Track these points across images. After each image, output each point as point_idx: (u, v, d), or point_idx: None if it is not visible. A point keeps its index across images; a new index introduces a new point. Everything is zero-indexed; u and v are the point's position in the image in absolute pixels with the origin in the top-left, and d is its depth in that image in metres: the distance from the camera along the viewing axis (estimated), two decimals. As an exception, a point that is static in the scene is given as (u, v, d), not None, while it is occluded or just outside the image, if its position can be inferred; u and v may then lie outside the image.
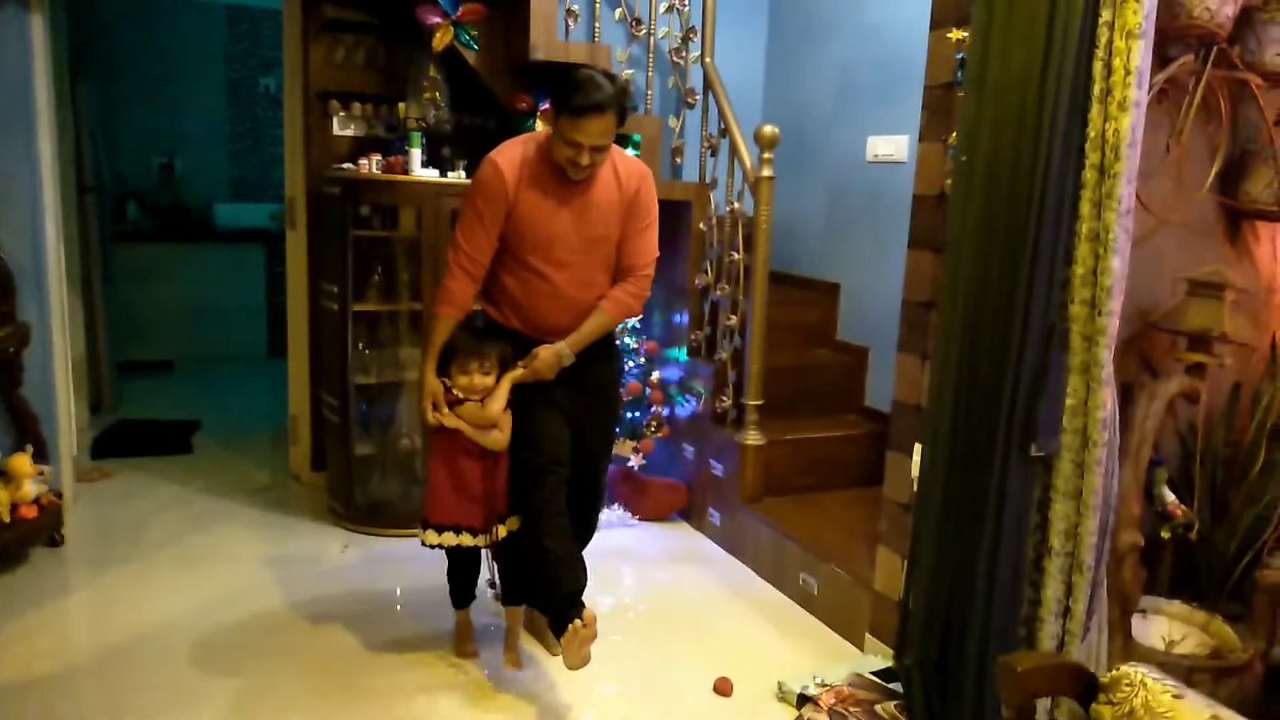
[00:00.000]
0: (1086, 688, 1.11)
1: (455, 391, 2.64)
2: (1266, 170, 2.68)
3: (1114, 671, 1.09)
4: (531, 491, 2.64)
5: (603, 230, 2.63)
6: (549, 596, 2.61)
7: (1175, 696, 1.05)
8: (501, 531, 2.74)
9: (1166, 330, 2.66)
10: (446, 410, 2.64)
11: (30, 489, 3.31)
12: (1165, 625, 2.68)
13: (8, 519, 3.23)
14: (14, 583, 3.24)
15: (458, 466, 2.68)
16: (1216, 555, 2.82)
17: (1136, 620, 2.64)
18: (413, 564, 3.54)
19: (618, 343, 2.95)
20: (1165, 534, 2.71)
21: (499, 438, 2.66)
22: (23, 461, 3.32)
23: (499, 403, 2.63)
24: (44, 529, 3.42)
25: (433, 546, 2.72)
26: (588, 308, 2.66)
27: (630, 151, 3.90)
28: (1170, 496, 2.72)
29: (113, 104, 6.24)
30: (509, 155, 2.57)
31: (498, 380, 2.65)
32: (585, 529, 2.93)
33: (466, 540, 2.71)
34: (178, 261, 6.44)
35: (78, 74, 4.71)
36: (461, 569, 2.89)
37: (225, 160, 6.93)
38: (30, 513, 3.31)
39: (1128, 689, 1.07)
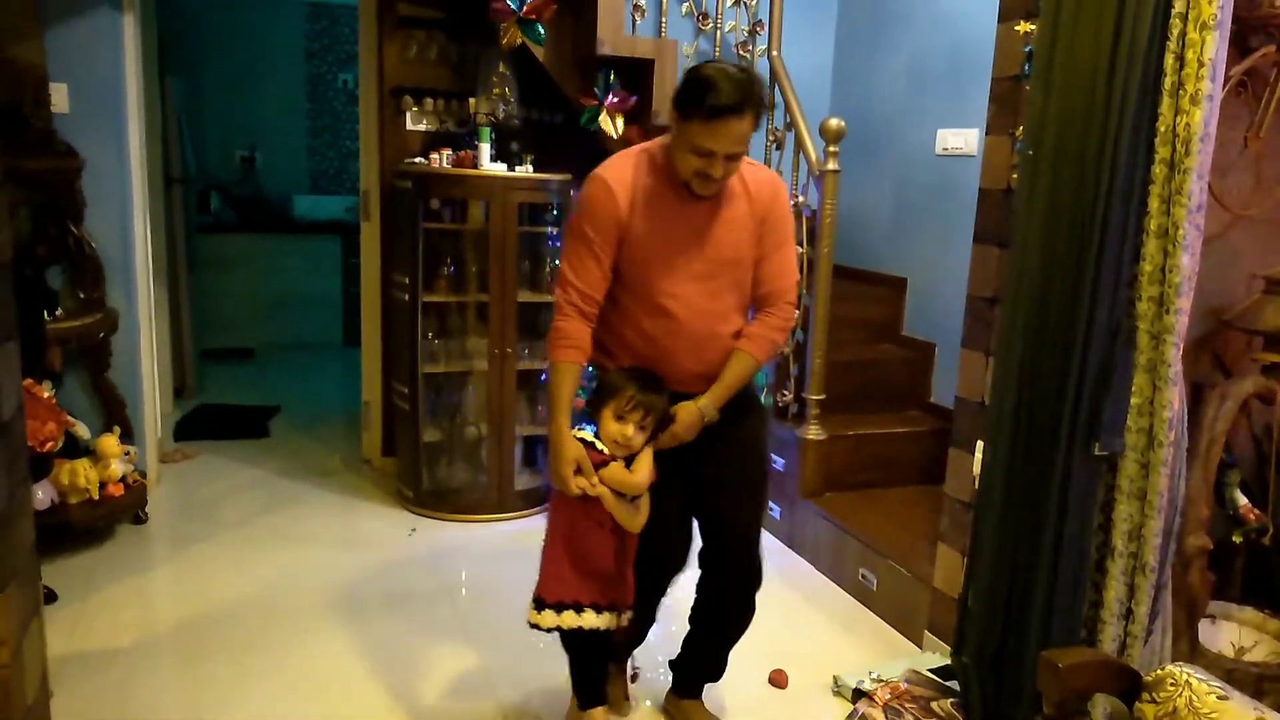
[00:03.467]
0: (1130, 686, 1.11)
1: (600, 448, 2.15)
2: (1352, 164, 2.59)
3: (1159, 671, 1.09)
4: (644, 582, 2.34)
5: (732, 253, 2.22)
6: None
7: (1220, 698, 1.04)
8: (625, 619, 2.29)
9: (1241, 329, 2.60)
10: (595, 477, 2.13)
11: (117, 468, 3.47)
12: (1235, 631, 2.61)
13: (97, 496, 3.40)
14: (101, 557, 3.40)
15: (583, 540, 2.19)
16: (1292, 561, 2.73)
17: (1205, 626, 2.58)
18: (476, 550, 3.65)
19: (759, 391, 2.39)
20: (1237, 538, 2.64)
21: (641, 517, 2.19)
22: (110, 442, 3.48)
23: (647, 470, 2.16)
24: (129, 507, 3.58)
25: (549, 630, 2.22)
26: (722, 348, 2.24)
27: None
28: (1243, 500, 2.65)
29: (197, 98, 6.48)
30: (619, 171, 2.18)
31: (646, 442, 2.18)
32: (742, 610, 2.44)
33: (590, 620, 2.19)
34: (258, 252, 6.66)
35: (165, 69, 4.90)
36: (588, 656, 2.34)
37: (304, 154, 7.14)
38: (117, 491, 3.48)
39: (1172, 688, 1.06)
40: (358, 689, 2.67)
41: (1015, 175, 2.54)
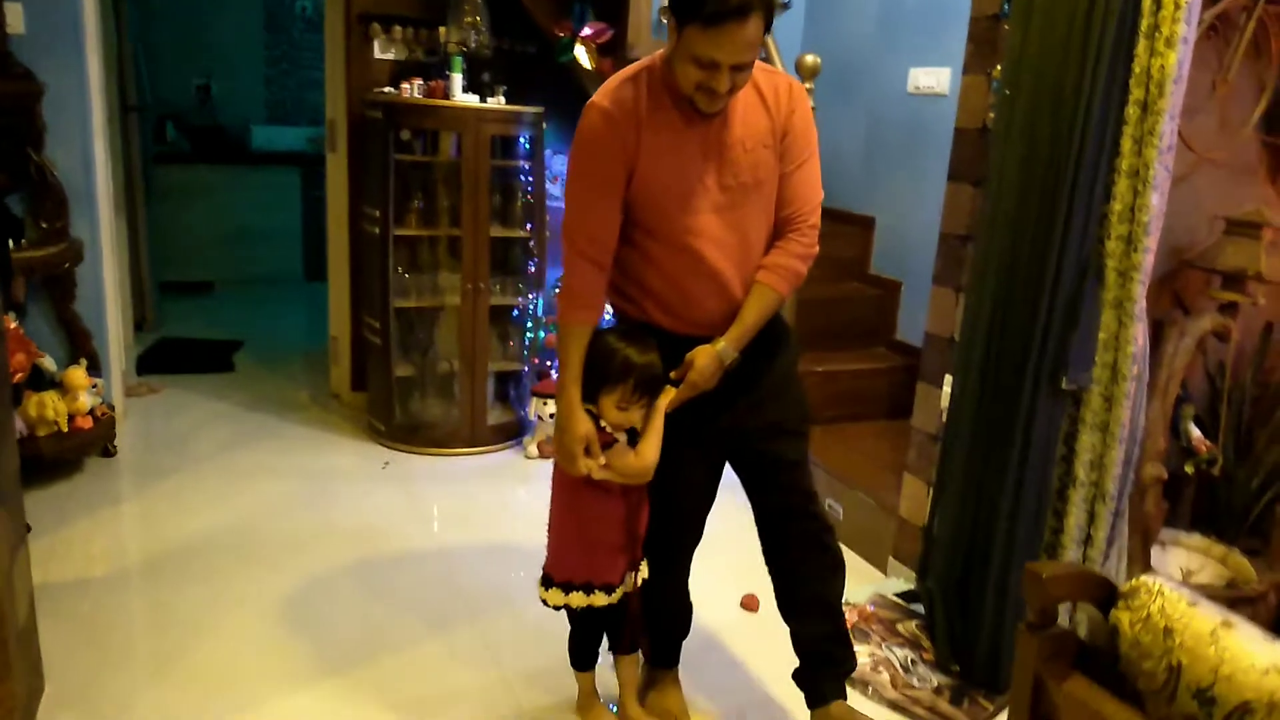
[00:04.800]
0: (1107, 596, 1.18)
1: (605, 427, 1.99)
2: (1313, 109, 2.67)
3: (1133, 581, 1.16)
4: (663, 572, 2.21)
5: (752, 175, 1.94)
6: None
7: (1190, 604, 1.12)
8: (639, 579, 2.16)
9: (1201, 268, 2.69)
10: (601, 459, 1.97)
11: (85, 400, 3.44)
12: (1184, 557, 2.74)
13: (66, 429, 3.37)
14: (71, 490, 3.39)
15: (592, 514, 2.05)
16: (1238, 491, 2.87)
17: (1156, 551, 2.71)
18: (449, 481, 3.70)
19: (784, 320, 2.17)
20: (1189, 469, 2.77)
21: (650, 469, 2.01)
22: (78, 374, 3.45)
23: (656, 444, 1.97)
24: (98, 440, 3.55)
25: (557, 608, 2.14)
26: (749, 282, 1.99)
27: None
28: (1196, 432, 2.77)
29: (152, 24, 6.27)
30: (619, 96, 1.89)
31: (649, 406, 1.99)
32: (830, 560, 2.20)
33: (599, 600, 2.09)
34: (215, 183, 6.52)
35: (119, -6, 4.74)
36: (590, 629, 2.25)
37: (262, 83, 6.97)
38: (86, 424, 3.45)
39: (1146, 596, 1.14)
40: (334, 618, 2.71)
41: (992, 114, 2.59)
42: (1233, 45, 2.54)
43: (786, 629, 2.27)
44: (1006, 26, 2.47)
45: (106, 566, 2.91)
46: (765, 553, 2.22)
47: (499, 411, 4.07)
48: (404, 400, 4.00)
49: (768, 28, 1.79)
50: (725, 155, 1.92)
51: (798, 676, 2.28)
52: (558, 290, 2.01)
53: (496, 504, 3.57)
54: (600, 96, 1.92)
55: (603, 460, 1.97)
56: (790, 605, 2.24)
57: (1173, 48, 2.12)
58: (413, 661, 2.53)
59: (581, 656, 2.29)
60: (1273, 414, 2.84)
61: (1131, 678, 1.13)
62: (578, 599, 2.08)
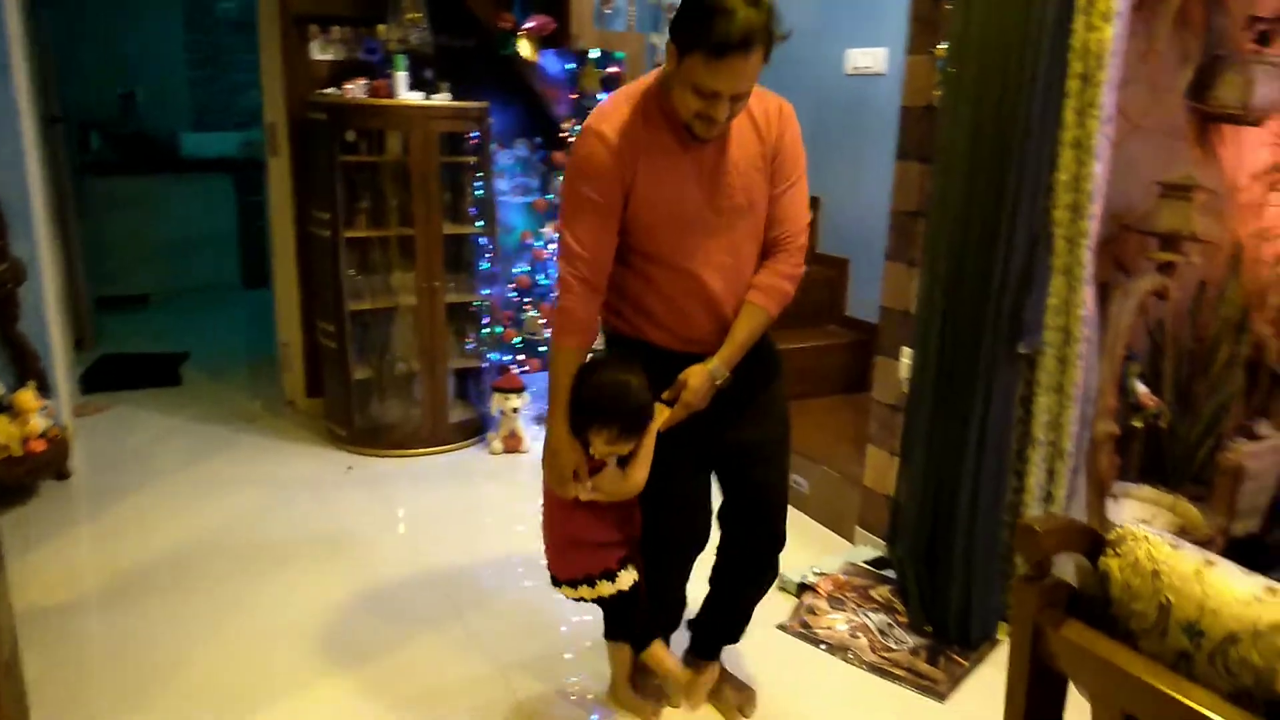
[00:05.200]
0: (1094, 545, 1.26)
1: (593, 453, 2.00)
2: (1235, 75, 2.80)
3: (1119, 529, 1.24)
4: (658, 572, 2.23)
5: (745, 199, 1.98)
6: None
7: (1173, 547, 1.20)
8: (633, 578, 2.17)
9: (1139, 231, 2.81)
10: (589, 482, 2.02)
11: (38, 423, 3.36)
12: (1137, 508, 2.88)
13: (19, 453, 3.28)
14: (29, 515, 3.31)
15: (582, 521, 2.08)
16: (1182, 442, 3.02)
17: (1110, 504, 2.84)
18: (415, 481, 3.70)
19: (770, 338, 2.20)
20: (1137, 423, 2.90)
21: (637, 488, 2.05)
22: (28, 396, 3.36)
23: (646, 466, 2.00)
24: (52, 462, 3.47)
25: (576, 600, 2.19)
26: (739, 300, 2.03)
27: (613, 68, 3.95)
28: (1142, 388, 2.90)
29: (69, 32, 6.08)
30: (616, 119, 1.90)
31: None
32: (765, 570, 2.31)
33: (607, 589, 2.12)
34: (145, 193, 6.37)
35: (37, 1, 4.59)
36: (620, 609, 2.20)
37: (187, 88, 6.81)
38: (39, 446, 3.36)
39: (1132, 543, 1.22)
40: (319, 624, 2.71)
41: (937, 93, 2.67)
42: (1160, 16, 2.65)
43: (764, 603, 2.37)
44: (948, 7, 2.55)
45: (77, 590, 2.85)
46: (721, 548, 2.31)
47: (460, 409, 4.08)
48: (363, 403, 3.97)
49: (767, 57, 1.80)
50: (719, 179, 1.95)
51: (698, 625, 2.40)
52: (555, 313, 2.01)
53: (466, 501, 3.58)
54: (598, 121, 1.91)
55: (589, 484, 2.00)
56: (722, 591, 2.34)
57: (1109, 21, 2.22)
58: (405, 660, 2.54)
59: (632, 635, 2.25)
60: (1210, 367, 2.99)
61: (1123, 619, 1.21)
62: (588, 592, 2.12)
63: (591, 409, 1.95)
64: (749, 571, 2.30)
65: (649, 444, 2.00)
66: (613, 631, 2.28)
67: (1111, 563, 1.23)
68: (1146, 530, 1.24)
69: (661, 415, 2.00)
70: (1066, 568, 1.33)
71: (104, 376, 4.79)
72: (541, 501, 2.16)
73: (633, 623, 2.23)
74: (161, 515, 3.34)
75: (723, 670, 2.41)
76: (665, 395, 2.00)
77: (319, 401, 4.27)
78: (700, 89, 1.78)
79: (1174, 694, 1.09)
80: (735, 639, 2.41)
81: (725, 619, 2.37)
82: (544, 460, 2.04)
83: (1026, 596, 1.26)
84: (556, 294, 1.98)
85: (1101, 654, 1.18)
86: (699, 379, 1.98)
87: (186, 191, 6.49)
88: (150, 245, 6.40)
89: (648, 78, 1.98)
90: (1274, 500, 3.10)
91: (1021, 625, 1.27)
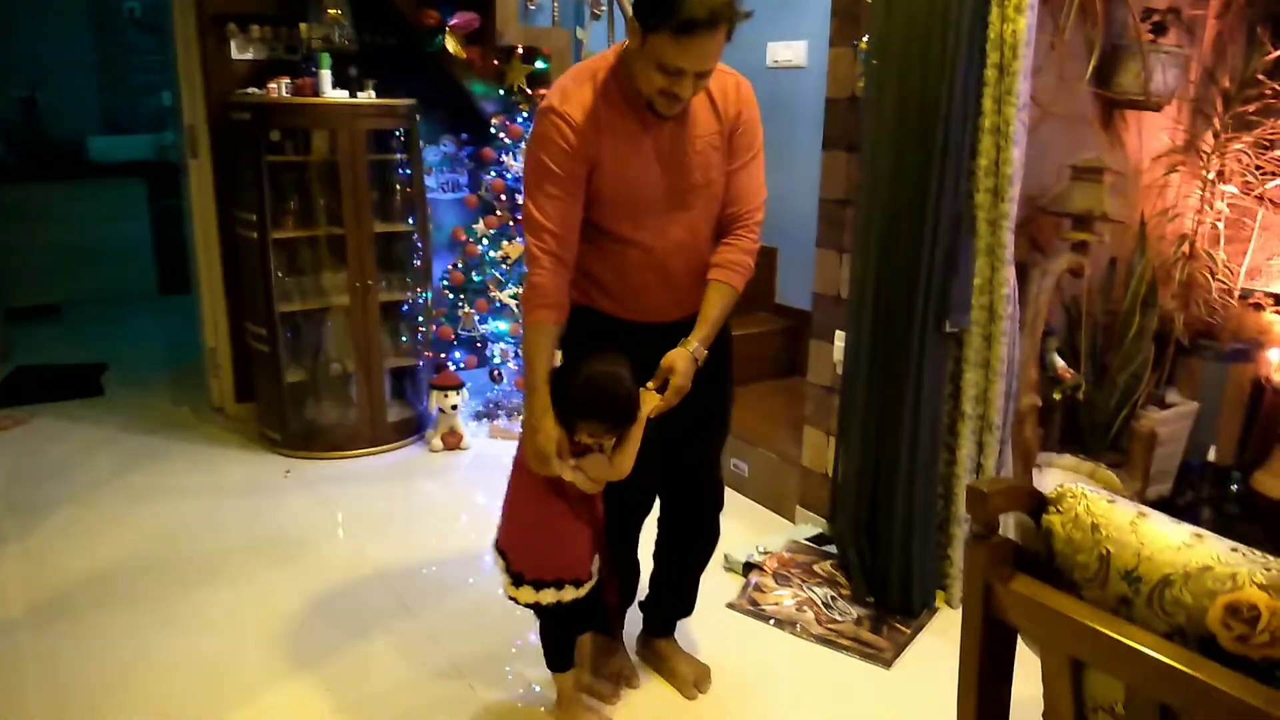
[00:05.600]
0: (1037, 505, 1.35)
1: (579, 438, 1.96)
2: (1134, 63, 2.97)
3: (1059, 488, 1.33)
4: (616, 542, 2.24)
5: (702, 175, 2.01)
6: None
7: (1109, 502, 1.29)
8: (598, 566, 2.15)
9: (1053, 213, 2.95)
10: (572, 461, 1.96)
11: (-43, 438, 3.24)
12: (1059, 476, 3.03)
13: (-62, 469, 3.17)
14: (-49, 534, 3.20)
15: (555, 509, 2.02)
16: (1099, 412, 3.19)
17: (1035, 474, 2.98)
18: (355, 482, 3.68)
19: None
20: (1057, 395, 3.05)
21: (624, 474, 2.01)
22: (-55, 411, 3.25)
23: (633, 454, 1.97)
24: (-27, 478, 3.36)
25: (528, 605, 2.09)
26: (698, 280, 2.06)
27: (539, 64, 3.96)
28: (1060, 362, 3.05)
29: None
30: (578, 98, 1.92)
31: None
32: (710, 534, 2.40)
33: (569, 594, 2.07)
34: (52, 200, 6.14)
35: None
36: (562, 625, 2.19)
37: (94, 91, 6.58)
38: (-42, 462, 3.26)
39: (1072, 500, 1.31)
40: (270, 630, 2.68)
41: (861, 84, 2.76)
42: (1065, 8, 2.79)
43: (713, 583, 2.46)
44: (869, 1, 2.64)
45: (6, 610, 2.76)
46: (664, 520, 2.38)
47: (398, 408, 4.06)
48: (298, 406, 3.93)
49: (730, 36, 1.82)
50: (678, 157, 1.99)
51: (649, 604, 2.49)
52: (525, 289, 2.00)
53: (407, 499, 3.57)
54: (558, 100, 1.92)
55: (573, 463, 1.96)
56: (671, 563, 2.43)
57: (1021, 13, 2.34)
58: (359, 661, 2.53)
59: (559, 656, 2.22)
60: (1122, 340, 3.16)
61: (1067, 571, 1.30)
62: (548, 595, 2.05)
63: (580, 409, 1.91)
64: (697, 536, 2.38)
65: (637, 433, 1.97)
66: (556, 659, 2.22)
67: (1054, 519, 1.32)
68: (1084, 488, 1.33)
69: (650, 403, 1.98)
70: (1010, 527, 1.42)
71: (20, 389, 4.63)
72: (507, 496, 2.10)
73: (585, 621, 2.21)
74: (92, 529, 3.25)
75: (677, 648, 2.49)
76: (651, 384, 1.99)
77: (250, 406, 4.20)
78: (665, 67, 1.80)
79: (1116, 636, 1.18)
80: (689, 610, 2.49)
81: (677, 590, 2.45)
82: (523, 438, 1.99)
83: (977, 555, 1.34)
84: (526, 270, 1.98)
85: (1049, 604, 1.27)
86: (685, 362, 1.98)
87: (96, 197, 6.27)
88: (60, 254, 6.17)
89: (606, 55, 1.99)
90: (1183, 464, 3.30)
91: (973, 581, 1.35)
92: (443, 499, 3.58)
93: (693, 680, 2.41)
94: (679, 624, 2.51)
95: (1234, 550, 1.17)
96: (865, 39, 2.69)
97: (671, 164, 1.99)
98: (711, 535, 2.40)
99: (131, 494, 3.54)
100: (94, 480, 3.64)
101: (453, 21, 3.71)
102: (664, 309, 2.08)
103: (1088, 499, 1.30)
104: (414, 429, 4.08)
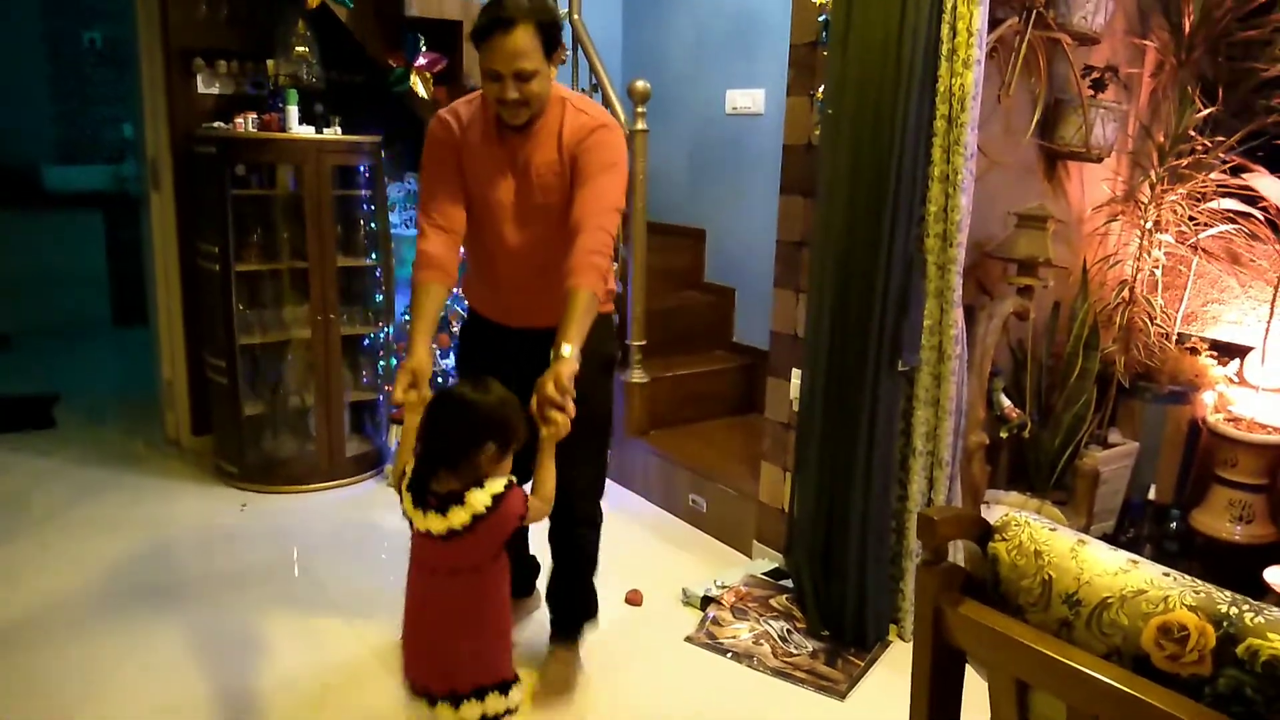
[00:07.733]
0: (984, 532, 1.42)
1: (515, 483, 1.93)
2: (1076, 117, 3.12)
3: (1004, 517, 1.41)
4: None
5: (543, 196, 2.26)
6: None
7: (1051, 530, 1.37)
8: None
9: (999, 258, 3.08)
10: (428, 392, 2.03)
11: (-96, 468, 3.19)
12: (1005, 512, 3.12)
13: (-116, 500, 3.11)
14: (-105, 566, 3.13)
15: (504, 595, 2.05)
16: (1044, 450, 3.30)
17: (983, 510, 3.07)
18: (313, 516, 3.66)
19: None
20: (1004, 434, 3.15)
21: (551, 497, 2.04)
22: (-106, 441, 3.19)
23: (552, 478, 2.01)
24: (-81, 509, 3.30)
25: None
26: (558, 294, 2.10)
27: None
28: (1006, 402, 3.16)
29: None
30: (459, 109, 2.33)
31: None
32: (573, 550, 2.56)
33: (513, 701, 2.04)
34: (6, 228, 6.06)
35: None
36: None
37: (50, 121, 6.54)
38: (-95, 493, 3.20)
39: (1016, 528, 1.38)
40: (231, 665, 2.66)
41: (817, 132, 2.87)
42: (1011, 64, 2.94)
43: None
44: (825, 53, 2.76)
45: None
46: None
47: (357, 442, 4.06)
48: (256, 439, 3.91)
49: (547, 39, 2.11)
50: (523, 177, 2.28)
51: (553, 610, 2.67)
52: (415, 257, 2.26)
53: (365, 534, 3.56)
54: (446, 109, 2.36)
55: (427, 391, 2.02)
56: (560, 585, 2.63)
57: (969, 68, 2.46)
58: (315, 695, 2.52)
59: None
60: (1066, 380, 3.28)
61: (1012, 596, 1.37)
62: (496, 704, 1.96)
63: (468, 433, 1.84)
64: (561, 550, 2.56)
65: (548, 460, 1.98)
66: None
67: (999, 546, 1.39)
68: (1027, 516, 1.40)
69: (552, 428, 1.93)
70: (959, 555, 1.48)
71: (-33, 421, 4.55)
72: (485, 608, 1.99)
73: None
74: (43, 562, 3.20)
75: (562, 654, 2.62)
76: (531, 410, 1.93)
77: (206, 439, 4.17)
78: (487, 73, 2.12)
79: (1058, 657, 1.25)
80: (575, 616, 2.65)
81: (554, 595, 2.65)
82: (397, 375, 2.05)
83: (927, 580, 1.41)
84: (417, 243, 2.27)
85: (996, 627, 1.33)
86: (569, 372, 1.95)
87: (51, 227, 6.21)
88: (12, 283, 6.09)
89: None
90: (1125, 502, 3.42)
91: (923, 606, 1.42)
92: (400, 533, 3.57)
93: (541, 687, 2.49)
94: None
95: (1166, 575, 1.24)
96: (821, 89, 2.80)
97: (519, 181, 2.29)
98: (577, 550, 2.56)
99: (83, 527, 3.49)
100: (44, 514, 3.59)
101: (419, 62, 3.78)
102: (529, 313, 2.35)
103: (1031, 527, 1.38)
104: (373, 463, 4.08)
